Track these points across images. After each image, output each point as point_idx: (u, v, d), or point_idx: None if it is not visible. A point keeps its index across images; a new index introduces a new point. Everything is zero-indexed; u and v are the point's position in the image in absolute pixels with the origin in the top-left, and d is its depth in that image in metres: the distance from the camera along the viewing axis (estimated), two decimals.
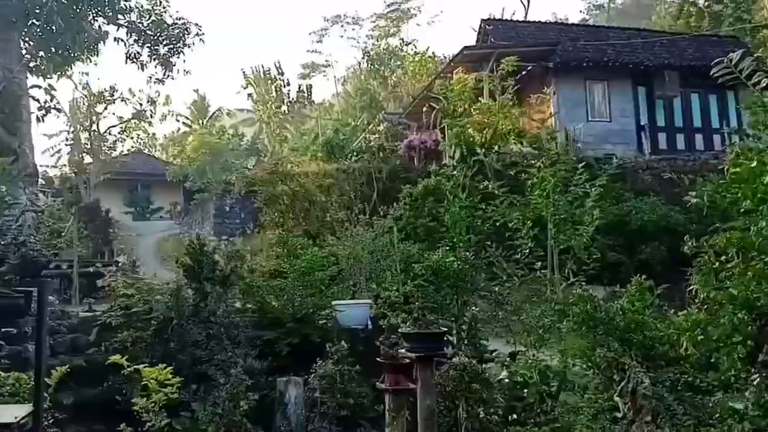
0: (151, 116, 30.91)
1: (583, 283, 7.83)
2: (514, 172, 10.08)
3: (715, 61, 5.64)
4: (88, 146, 31.93)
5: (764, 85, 4.98)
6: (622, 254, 12.57)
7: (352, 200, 14.91)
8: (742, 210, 2.95)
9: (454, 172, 15.53)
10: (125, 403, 7.14)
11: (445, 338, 7.35)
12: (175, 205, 35.78)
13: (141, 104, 30.19)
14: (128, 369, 7.12)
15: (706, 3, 31.58)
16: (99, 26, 15.36)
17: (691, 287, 4.09)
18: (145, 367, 7.09)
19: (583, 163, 9.20)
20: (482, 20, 23.67)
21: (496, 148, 16.07)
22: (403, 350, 4.71)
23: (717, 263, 3.64)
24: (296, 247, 10.48)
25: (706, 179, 14.89)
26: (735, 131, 16.80)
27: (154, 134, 46.29)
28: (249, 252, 14.42)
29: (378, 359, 5.11)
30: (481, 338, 7.50)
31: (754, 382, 2.68)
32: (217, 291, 9.19)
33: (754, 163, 3.05)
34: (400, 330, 4.83)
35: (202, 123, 46.91)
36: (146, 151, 43.76)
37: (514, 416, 6.12)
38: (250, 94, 48.26)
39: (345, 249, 9.29)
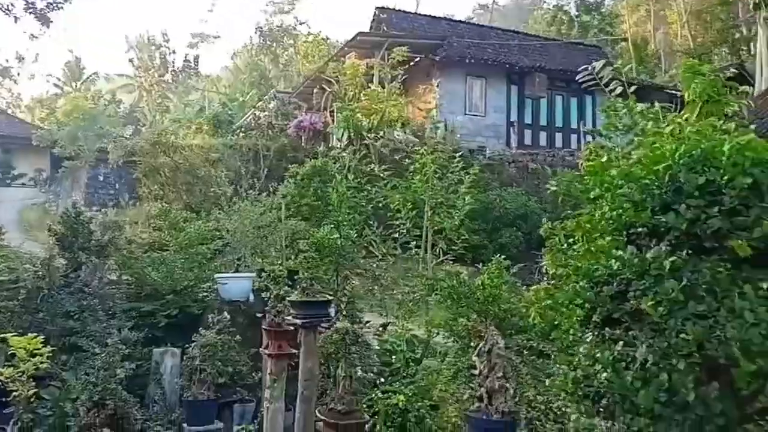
0: (18, 74, 28.53)
1: (451, 262, 8.52)
2: (398, 157, 10.60)
3: (581, 68, 6.37)
4: None
5: (619, 92, 5.74)
6: (485, 238, 13.51)
7: (238, 176, 14.83)
8: (590, 197, 3.45)
9: (343, 154, 15.94)
10: None
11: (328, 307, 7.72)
12: (40, 171, 33.32)
13: (7, 60, 27.77)
14: None
15: (577, 13, 34.07)
16: None
17: (541, 266, 4.69)
18: (13, 336, 6.83)
19: (459, 153, 9.87)
20: (377, 8, 24.10)
21: (382, 133, 16.58)
22: (289, 317, 4.99)
23: (566, 245, 4.22)
24: (179, 220, 10.34)
25: (563, 172, 16.21)
26: (590, 131, 18.45)
27: (19, 94, 42.79)
28: (125, 224, 13.97)
29: (263, 328, 5.36)
30: (357, 311, 7.92)
31: (587, 339, 3.19)
32: (93, 262, 8.97)
33: (605, 159, 3.59)
34: (288, 298, 5.09)
35: (76, 86, 43.85)
36: (9, 111, 40.33)
37: (382, 379, 6.62)
38: (131, 60, 45.86)
39: (231, 223, 9.34)
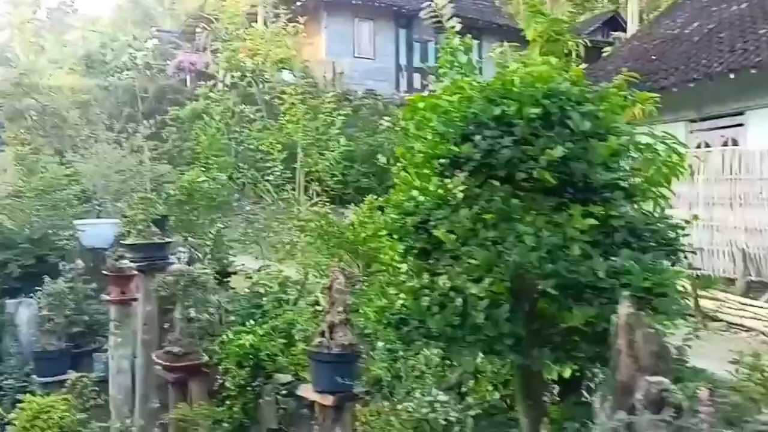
0: None
1: (327, 203, 8.50)
2: (269, 97, 10.34)
3: (425, 4, 6.36)
4: None
5: (458, 29, 5.77)
6: (374, 181, 13.56)
7: (110, 118, 14.00)
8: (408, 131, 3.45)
9: (226, 96, 15.37)
10: None
11: (189, 253, 7.53)
12: None
13: None
14: None
15: None
16: None
17: None
18: None
19: (331, 94, 9.74)
20: None
21: (267, 75, 16.07)
22: (125, 261, 4.81)
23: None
24: (36, 165, 9.65)
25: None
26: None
27: None
28: None
29: (103, 272, 5.14)
30: (228, 254, 7.79)
31: (403, 269, 3.25)
32: None
33: (424, 94, 3.60)
34: (122, 242, 4.89)
35: None
36: None
37: (252, 321, 6.59)
38: None
39: (90, 167, 8.82)
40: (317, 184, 8.49)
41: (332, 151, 8.48)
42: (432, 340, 2.84)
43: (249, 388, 5.22)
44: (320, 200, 8.42)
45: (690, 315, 2.99)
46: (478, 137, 2.87)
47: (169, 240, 5.16)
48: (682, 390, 2.23)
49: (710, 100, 10.31)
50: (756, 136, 9.39)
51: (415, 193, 3.04)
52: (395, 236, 3.09)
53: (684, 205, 8.51)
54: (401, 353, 3.89)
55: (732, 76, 9.38)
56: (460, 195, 2.84)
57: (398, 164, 4.02)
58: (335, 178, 8.52)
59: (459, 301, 2.86)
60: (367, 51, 20.58)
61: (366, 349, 5.02)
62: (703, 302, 7.34)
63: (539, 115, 2.82)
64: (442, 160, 3.02)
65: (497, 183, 3.01)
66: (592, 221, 2.72)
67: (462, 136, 2.96)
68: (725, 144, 9.93)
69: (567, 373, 3.71)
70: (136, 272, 4.95)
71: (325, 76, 17.52)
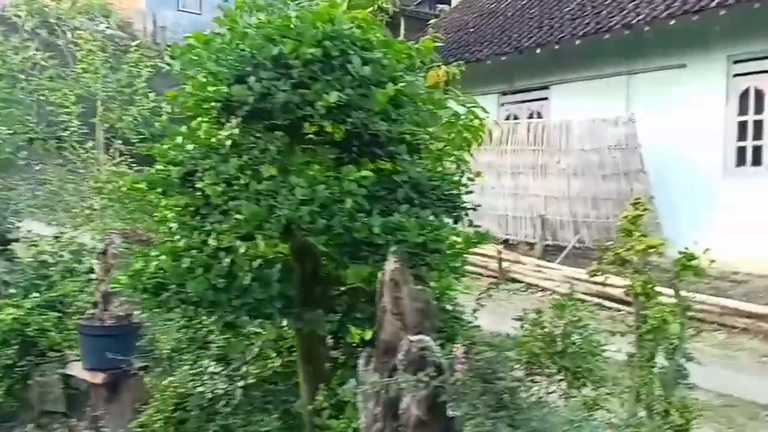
0: None
1: (133, 164, 7.77)
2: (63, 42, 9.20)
3: None
4: None
5: None
6: None
7: None
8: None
9: (26, 44, 13.58)
10: None
11: None
12: None
13: None
14: None
15: None
16: None
17: None
18: None
19: (135, 44, 8.88)
20: None
21: (76, 23, 14.38)
22: None
23: None
24: None
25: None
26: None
27: None
28: None
29: None
30: (8, 219, 6.86)
31: (173, 229, 2.91)
32: None
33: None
34: None
35: None
36: None
37: (36, 294, 5.88)
38: None
39: None
40: (121, 142, 7.68)
41: (138, 106, 7.70)
42: (192, 306, 2.52)
43: (17, 368, 4.59)
44: (123, 160, 7.65)
45: (474, 274, 2.97)
46: (252, 79, 2.57)
47: None
48: (443, 348, 2.15)
49: (520, 74, 10.91)
50: (558, 109, 10.11)
51: (180, 140, 2.67)
52: (157, 190, 2.71)
53: (494, 173, 8.93)
54: (182, 322, 3.53)
55: (539, 51, 9.96)
56: (229, 143, 2.53)
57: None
58: (141, 136, 7.75)
59: (226, 261, 2.58)
60: (193, 4, 19.25)
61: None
62: (505, 264, 7.79)
63: (318, 58, 2.59)
64: (213, 104, 2.69)
65: (280, 132, 2.76)
66: (368, 174, 2.56)
67: (236, 78, 2.64)
68: (531, 116, 10.58)
69: (368, 335, 3.61)
70: None
71: (145, 29, 16.14)
